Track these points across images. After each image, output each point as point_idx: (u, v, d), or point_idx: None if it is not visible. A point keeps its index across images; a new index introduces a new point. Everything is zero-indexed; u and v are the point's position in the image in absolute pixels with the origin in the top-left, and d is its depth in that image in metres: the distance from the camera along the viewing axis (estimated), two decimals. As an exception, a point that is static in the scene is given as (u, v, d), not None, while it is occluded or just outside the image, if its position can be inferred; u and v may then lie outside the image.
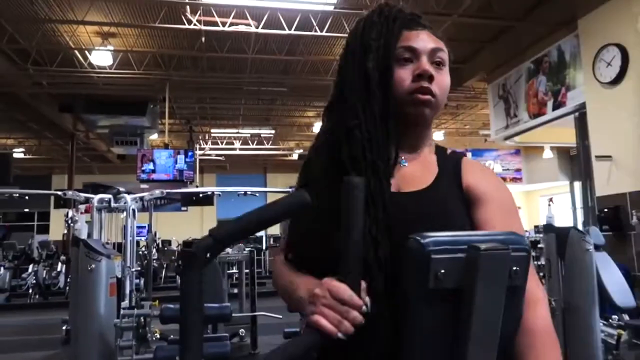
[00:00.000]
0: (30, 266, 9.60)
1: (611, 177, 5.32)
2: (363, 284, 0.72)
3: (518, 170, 14.68)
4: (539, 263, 6.81)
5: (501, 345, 0.67)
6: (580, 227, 3.67)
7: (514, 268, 0.65)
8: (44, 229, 16.70)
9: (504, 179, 13.69)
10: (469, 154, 11.13)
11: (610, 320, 3.26)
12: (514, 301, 0.68)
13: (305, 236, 0.89)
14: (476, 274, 0.63)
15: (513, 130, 7.81)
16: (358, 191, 0.72)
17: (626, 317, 3.24)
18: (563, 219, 11.83)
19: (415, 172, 0.93)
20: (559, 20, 6.35)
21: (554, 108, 6.71)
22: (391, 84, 0.89)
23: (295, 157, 15.48)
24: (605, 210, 5.32)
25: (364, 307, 0.70)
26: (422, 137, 0.96)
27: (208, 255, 0.70)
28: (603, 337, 3.20)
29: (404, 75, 0.89)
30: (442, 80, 0.92)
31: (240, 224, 0.75)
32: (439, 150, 1.00)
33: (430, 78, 0.89)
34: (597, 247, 3.32)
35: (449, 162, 0.96)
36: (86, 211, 5.25)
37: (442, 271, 0.63)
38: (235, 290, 6.26)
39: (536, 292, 0.81)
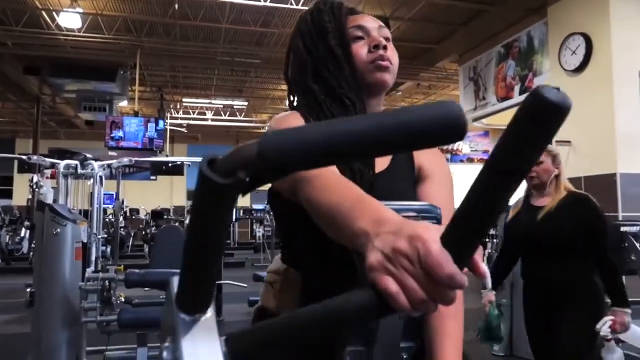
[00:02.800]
0: (-7, 231, 9.44)
1: (569, 161, 5.54)
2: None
3: (486, 152, 15.01)
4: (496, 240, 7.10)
5: None
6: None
7: None
8: (7, 194, 16.28)
9: (472, 160, 14.05)
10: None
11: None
12: None
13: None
14: None
15: (481, 112, 7.98)
16: None
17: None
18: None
19: None
20: (530, 6, 6.47)
21: (521, 92, 6.88)
22: (351, 59, 0.97)
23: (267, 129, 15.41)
24: (561, 193, 5.56)
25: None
26: (380, 109, 1.04)
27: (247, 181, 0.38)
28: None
29: (361, 49, 0.97)
30: (393, 53, 1.00)
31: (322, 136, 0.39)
32: None
33: (385, 48, 0.97)
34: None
35: None
36: (51, 177, 5.19)
37: None
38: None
39: None
